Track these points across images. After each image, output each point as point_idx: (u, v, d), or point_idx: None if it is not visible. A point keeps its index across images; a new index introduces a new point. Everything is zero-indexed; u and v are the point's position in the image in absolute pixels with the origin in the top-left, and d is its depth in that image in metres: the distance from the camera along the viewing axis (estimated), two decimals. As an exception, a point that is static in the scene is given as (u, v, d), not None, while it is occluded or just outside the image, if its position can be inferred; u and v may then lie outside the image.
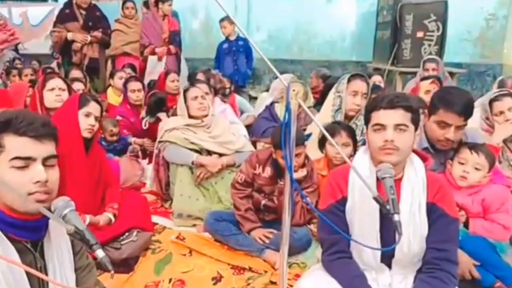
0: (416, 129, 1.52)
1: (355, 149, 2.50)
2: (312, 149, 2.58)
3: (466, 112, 1.97)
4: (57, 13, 5.15)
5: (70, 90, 2.84)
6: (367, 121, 1.55)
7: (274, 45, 6.17)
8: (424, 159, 1.58)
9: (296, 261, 2.27)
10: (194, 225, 2.68)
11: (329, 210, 1.57)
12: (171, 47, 5.12)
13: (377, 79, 4.11)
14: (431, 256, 1.50)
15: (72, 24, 4.78)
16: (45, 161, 1.12)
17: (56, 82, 2.77)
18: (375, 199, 1.26)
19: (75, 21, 4.80)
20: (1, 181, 1.07)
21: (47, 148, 1.13)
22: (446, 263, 1.48)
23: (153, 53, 5.03)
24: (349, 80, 2.81)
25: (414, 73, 4.50)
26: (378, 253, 1.53)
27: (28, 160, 1.10)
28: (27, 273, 1.13)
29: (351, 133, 2.52)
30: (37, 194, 1.09)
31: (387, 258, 1.55)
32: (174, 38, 5.16)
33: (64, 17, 4.83)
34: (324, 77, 4.68)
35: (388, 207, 1.26)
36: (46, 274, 1.18)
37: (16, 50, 7.21)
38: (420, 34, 4.82)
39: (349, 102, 2.77)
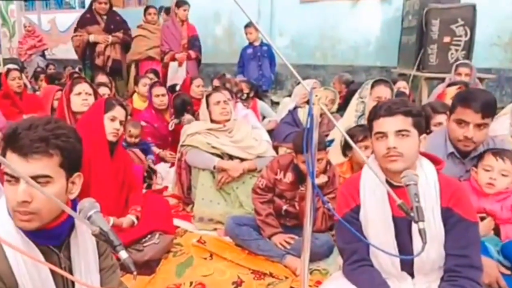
0: (421, 132, 1.51)
1: None
2: (334, 155, 2.57)
3: (484, 109, 1.93)
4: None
5: (96, 94, 2.91)
6: (370, 131, 1.57)
7: (297, 50, 6.16)
8: (436, 163, 1.55)
9: (318, 267, 2.25)
10: (215, 229, 2.69)
11: (345, 219, 1.56)
12: (191, 52, 5.17)
13: (402, 85, 4.04)
14: (452, 263, 1.47)
15: (92, 27, 4.91)
16: (34, 180, 1.01)
17: (83, 87, 2.84)
18: (400, 206, 1.23)
19: (96, 24, 4.92)
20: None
21: (33, 167, 1.06)
22: (468, 270, 1.44)
23: (173, 59, 5.09)
24: (372, 86, 2.79)
25: (440, 79, 4.40)
26: (397, 261, 1.51)
27: (13, 177, 1.07)
28: (53, 274, 1.16)
29: None
30: (18, 214, 1.08)
31: (407, 266, 1.52)
32: (194, 43, 5.22)
33: (85, 22, 4.97)
34: (347, 83, 4.63)
35: (412, 214, 1.23)
36: (71, 274, 1.20)
37: (43, 55, 7.48)
38: (447, 39, 4.71)
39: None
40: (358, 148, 2.33)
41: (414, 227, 1.35)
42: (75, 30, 5.02)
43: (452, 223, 1.47)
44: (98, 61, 4.90)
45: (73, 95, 2.82)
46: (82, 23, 4.97)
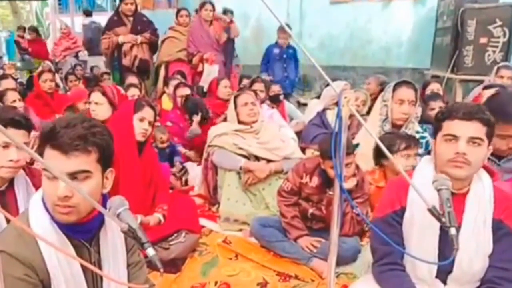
0: (489, 143, 1.43)
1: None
2: (361, 160, 2.51)
3: None
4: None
5: (111, 102, 2.90)
6: (437, 129, 1.48)
7: (326, 51, 6.10)
8: (491, 175, 1.49)
9: (344, 271, 2.21)
10: (241, 230, 2.69)
11: (385, 219, 1.52)
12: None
13: (435, 87, 3.92)
14: (492, 274, 1.41)
15: (120, 29, 5.00)
16: (71, 176, 1.10)
17: (93, 96, 2.87)
18: (430, 210, 1.20)
19: (123, 25, 5.01)
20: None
21: (74, 163, 1.10)
22: (509, 284, 1.38)
23: (201, 60, 5.12)
24: (394, 88, 2.70)
25: (476, 81, 4.24)
26: (434, 268, 1.46)
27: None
28: (83, 268, 1.19)
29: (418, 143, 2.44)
30: (58, 208, 1.12)
31: (443, 274, 1.47)
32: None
33: (112, 24, 5.07)
34: (383, 85, 4.53)
35: (444, 219, 1.19)
36: (100, 268, 1.24)
37: (76, 56, 7.74)
38: (483, 40, 4.55)
39: (396, 111, 2.67)
40: (398, 157, 2.30)
41: (461, 235, 1.29)
42: (103, 33, 5.14)
43: (500, 235, 1.43)
44: (125, 61, 4.97)
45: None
46: (110, 26, 5.08)
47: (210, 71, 5.04)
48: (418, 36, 5.71)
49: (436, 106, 3.24)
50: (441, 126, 1.45)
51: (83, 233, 1.21)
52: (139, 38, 4.97)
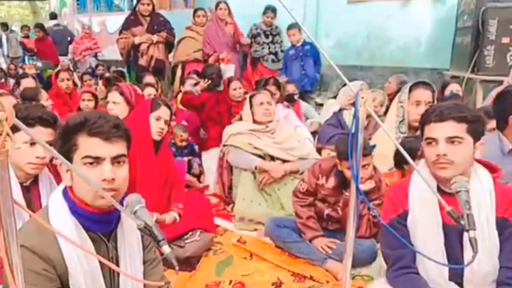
0: (477, 139, 1.42)
1: None
2: (377, 162, 2.47)
3: None
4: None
5: (128, 101, 2.90)
6: (422, 135, 1.51)
7: (343, 51, 6.04)
8: (493, 171, 1.47)
9: (360, 273, 2.20)
10: (255, 230, 2.70)
11: (391, 224, 1.52)
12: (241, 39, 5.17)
13: (454, 87, 3.84)
14: (505, 276, 1.39)
15: (136, 28, 5.03)
16: (113, 160, 1.19)
17: (112, 96, 2.90)
18: (449, 213, 1.18)
19: (140, 25, 5.04)
20: (77, 174, 1.16)
21: (116, 148, 1.19)
22: None
23: (217, 60, 5.13)
24: (411, 89, 2.66)
25: (497, 82, 4.14)
26: (445, 270, 1.45)
27: (97, 159, 1.17)
28: (100, 263, 1.21)
29: None
30: (103, 192, 1.16)
31: (456, 277, 1.45)
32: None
33: (129, 23, 5.11)
34: (403, 84, 4.45)
35: (462, 222, 1.17)
36: (118, 264, 1.26)
37: (95, 56, 7.86)
38: (505, 40, 4.43)
39: (412, 113, 2.63)
40: (417, 162, 2.24)
41: (466, 236, 1.28)
42: (120, 32, 5.17)
43: (507, 234, 1.40)
44: (142, 61, 5.01)
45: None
46: (127, 25, 5.12)
47: (226, 71, 5.05)
48: (437, 35, 5.61)
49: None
50: (423, 130, 1.48)
51: (104, 224, 1.23)
52: (155, 38, 5.01)
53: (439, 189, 1.43)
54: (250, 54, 5.48)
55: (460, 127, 1.40)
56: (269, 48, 5.42)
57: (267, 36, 5.40)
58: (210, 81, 3.97)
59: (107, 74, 6.19)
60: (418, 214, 1.48)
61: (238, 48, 5.39)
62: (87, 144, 1.17)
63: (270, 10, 5.29)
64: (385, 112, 3.49)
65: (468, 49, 4.76)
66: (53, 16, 9.26)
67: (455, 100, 3.38)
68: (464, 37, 4.94)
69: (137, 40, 4.99)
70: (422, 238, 1.47)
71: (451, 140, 1.40)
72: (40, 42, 8.11)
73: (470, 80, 4.67)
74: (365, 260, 2.22)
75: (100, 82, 5.65)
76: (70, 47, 8.21)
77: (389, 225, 1.52)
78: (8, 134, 0.71)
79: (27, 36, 8.65)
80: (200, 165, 3.51)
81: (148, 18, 5.07)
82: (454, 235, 1.42)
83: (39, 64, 7.04)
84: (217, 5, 5.17)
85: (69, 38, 8.69)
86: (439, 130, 1.42)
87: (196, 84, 4.14)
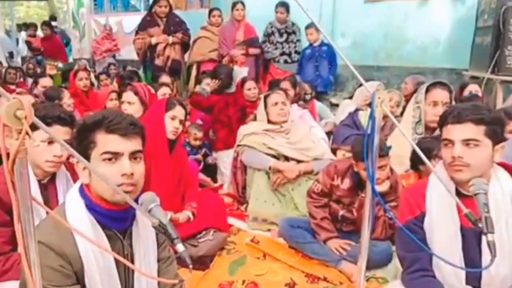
0: (496, 142, 1.39)
1: None
2: (393, 163, 2.44)
3: None
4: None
5: (142, 101, 2.92)
6: (440, 135, 1.49)
7: (359, 51, 5.98)
8: None
9: (374, 275, 2.18)
10: (269, 230, 2.69)
11: (407, 226, 1.49)
12: (250, 49, 5.15)
13: (474, 88, 3.77)
14: None
15: (153, 29, 5.06)
16: (131, 156, 1.22)
17: (126, 96, 2.92)
18: (467, 216, 1.15)
19: (156, 26, 5.07)
20: (94, 173, 1.17)
21: (133, 144, 1.22)
22: None
23: (231, 62, 5.12)
24: (427, 89, 2.61)
25: (519, 82, 4.05)
26: (462, 274, 1.42)
27: (116, 154, 1.19)
28: (115, 260, 1.22)
29: None
30: (124, 186, 1.19)
31: (474, 281, 1.42)
32: (252, 44, 5.21)
33: (145, 24, 5.14)
34: (419, 85, 4.39)
35: (480, 225, 1.14)
36: (132, 261, 1.27)
37: (113, 56, 7.95)
38: (527, 40, 4.33)
39: (429, 113, 2.58)
40: (435, 162, 2.20)
41: (484, 239, 1.25)
42: (137, 33, 5.21)
43: None
44: (158, 61, 5.04)
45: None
46: (143, 26, 5.15)
47: (239, 73, 5.06)
48: (456, 35, 5.51)
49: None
50: (441, 132, 1.47)
51: (120, 221, 1.25)
52: (171, 39, 5.04)
53: (458, 191, 1.40)
54: (262, 56, 5.45)
55: (478, 130, 1.37)
56: (282, 48, 5.31)
57: (281, 35, 5.30)
58: (219, 82, 3.97)
59: (121, 73, 6.25)
60: (435, 216, 1.46)
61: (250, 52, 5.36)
62: (105, 141, 1.19)
63: (280, 5, 5.20)
64: (402, 113, 3.44)
65: (488, 49, 4.66)
66: (53, 18, 9.32)
67: (474, 100, 3.31)
68: (484, 37, 4.84)
69: (153, 40, 5.03)
70: (439, 240, 1.45)
71: (466, 142, 1.37)
72: (47, 40, 7.94)
73: (490, 80, 4.57)
74: (380, 262, 2.19)
75: (114, 81, 5.72)
76: (91, 46, 8.25)
77: (405, 226, 1.50)
78: (27, 133, 0.72)
79: (33, 35, 8.27)
80: (215, 159, 3.54)
81: (164, 19, 5.10)
82: (472, 238, 1.40)
83: (60, 65, 7.14)
84: (234, 5, 5.16)
85: (65, 41, 8.79)
86: (456, 132, 1.39)
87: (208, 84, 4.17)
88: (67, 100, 3.53)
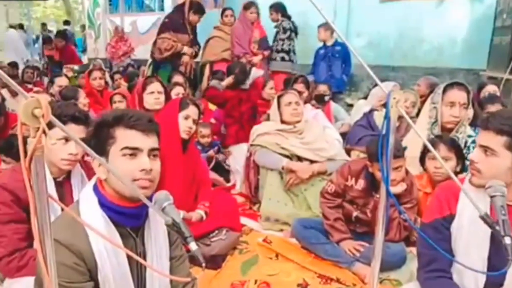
0: None
1: (461, 164, 2.30)
2: (409, 164, 2.42)
3: None
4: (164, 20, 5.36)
5: (166, 92, 3.03)
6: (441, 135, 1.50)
7: (374, 51, 5.93)
8: None
9: (388, 277, 2.15)
10: (281, 230, 2.68)
11: (433, 224, 1.47)
12: (265, 52, 5.16)
13: (492, 88, 3.71)
14: None
15: (183, 36, 5.02)
16: (150, 153, 1.23)
17: (155, 86, 2.97)
18: (482, 218, 1.13)
19: (186, 34, 5.04)
20: (109, 170, 1.18)
21: (152, 141, 1.25)
22: None
23: (250, 63, 5.11)
24: (444, 90, 2.57)
25: (538, 83, 3.96)
26: (481, 280, 1.38)
27: (135, 150, 1.21)
28: (128, 258, 1.23)
29: (453, 147, 2.32)
30: (142, 181, 1.20)
31: (494, 286, 1.38)
32: (263, 44, 5.21)
33: (177, 27, 5.04)
34: (433, 87, 4.33)
35: (497, 228, 1.12)
36: (145, 259, 1.28)
37: (129, 56, 8.03)
38: (547, 40, 4.24)
39: (446, 114, 2.54)
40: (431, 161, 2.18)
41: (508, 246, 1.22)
42: (165, 30, 5.01)
43: None
44: (182, 68, 5.04)
45: (146, 94, 2.96)
46: (175, 28, 5.01)
47: (255, 75, 5.05)
48: (474, 35, 5.42)
49: (494, 109, 3.04)
50: None
51: (133, 219, 1.26)
52: (194, 53, 5.09)
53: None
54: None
55: (497, 140, 1.33)
56: (282, 44, 5.24)
57: (285, 31, 5.25)
58: (234, 77, 3.98)
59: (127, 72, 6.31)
60: (466, 221, 1.42)
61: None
62: (125, 136, 1.21)
63: (270, 7, 5.26)
64: (417, 114, 3.40)
65: (507, 49, 4.58)
66: (67, 22, 9.34)
67: (495, 101, 3.22)
68: (503, 37, 4.76)
69: (185, 49, 4.98)
70: (465, 245, 1.41)
71: (484, 149, 1.35)
72: (64, 51, 7.98)
73: (508, 81, 4.49)
74: (394, 264, 2.17)
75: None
76: (106, 50, 8.25)
77: (430, 224, 1.48)
78: (44, 131, 0.73)
79: (52, 48, 8.11)
80: (226, 154, 3.56)
81: (191, 28, 5.08)
82: (501, 245, 1.37)
83: (76, 67, 7.24)
84: (248, 7, 5.16)
85: (80, 49, 8.85)
86: (480, 136, 1.39)
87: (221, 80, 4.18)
88: (83, 100, 3.60)
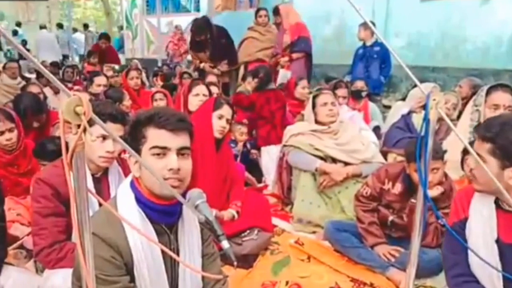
0: (505, 165, 1.32)
1: None
2: (448, 168, 2.33)
3: None
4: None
5: (211, 95, 3.09)
6: None
7: (414, 51, 5.75)
8: None
9: (424, 284, 2.09)
10: (314, 232, 2.65)
11: (454, 228, 1.49)
12: (294, 55, 5.13)
13: (540, 91, 3.49)
14: None
15: (201, 54, 5.12)
16: (179, 152, 1.24)
17: (201, 89, 3.05)
18: None
19: (203, 52, 5.07)
20: (143, 166, 1.21)
21: (181, 140, 1.25)
22: None
23: (277, 64, 5.12)
24: (488, 92, 2.46)
25: None
26: (499, 284, 1.39)
27: (164, 149, 1.23)
28: (163, 253, 1.26)
29: None
30: (171, 180, 1.22)
31: None
32: (298, 44, 5.15)
33: (196, 47, 5.12)
34: (476, 88, 4.15)
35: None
36: (178, 255, 1.30)
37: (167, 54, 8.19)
38: None
39: (489, 117, 2.42)
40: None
41: None
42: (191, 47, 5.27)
43: None
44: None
45: (191, 95, 3.04)
46: (195, 48, 5.16)
47: (283, 76, 5.05)
48: (521, 34, 5.15)
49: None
50: None
51: (167, 215, 1.28)
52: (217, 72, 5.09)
53: (498, 204, 1.38)
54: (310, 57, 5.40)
55: (483, 147, 1.35)
56: None
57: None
58: (259, 80, 3.96)
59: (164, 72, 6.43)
60: (474, 225, 1.45)
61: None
62: (155, 136, 1.23)
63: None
64: (458, 117, 3.26)
65: (558, 49, 4.31)
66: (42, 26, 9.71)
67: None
68: (554, 36, 4.48)
69: (206, 67, 5.08)
70: (475, 248, 1.42)
71: (478, 155, 1.34)
72: (107, 51, 7.88)
73: (559, 83, 4.21)
74: (430, 271, 2.09)
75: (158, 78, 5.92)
76: (167, 47, 8.24)
77: (452, 228, 1.51)
78: (85, 128, 0.76)
79: (94, 64, 7.38)
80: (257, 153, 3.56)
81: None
82: (510, 254, 1.35)
83: (116, 67, 7.45)
84: (276, 10, 5.20)
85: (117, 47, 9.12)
86: (474, 144, 1.42)
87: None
88: (126, 102, 3.71)
